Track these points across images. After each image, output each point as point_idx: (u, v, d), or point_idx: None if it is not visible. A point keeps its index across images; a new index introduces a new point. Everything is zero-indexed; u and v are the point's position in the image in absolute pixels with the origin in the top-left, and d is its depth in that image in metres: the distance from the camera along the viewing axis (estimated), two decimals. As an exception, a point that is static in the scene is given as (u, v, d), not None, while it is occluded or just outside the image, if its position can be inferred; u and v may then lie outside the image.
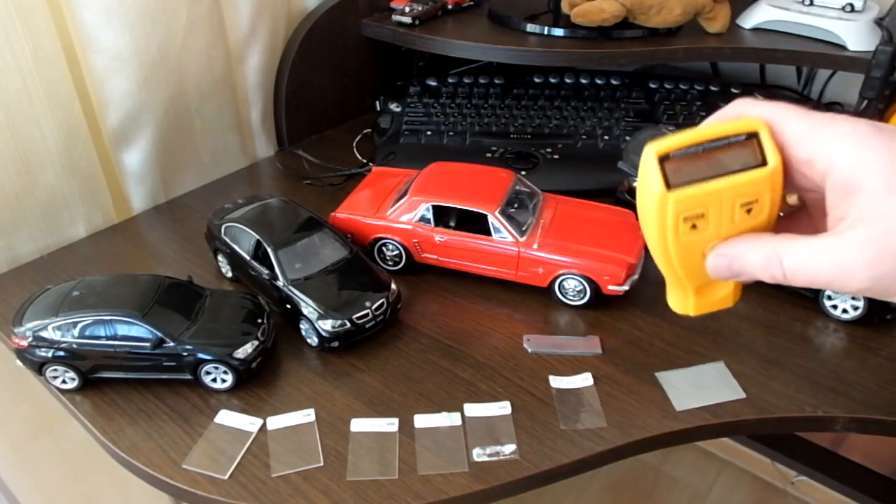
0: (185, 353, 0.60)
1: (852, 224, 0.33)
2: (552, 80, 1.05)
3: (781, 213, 0.38)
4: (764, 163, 0.34)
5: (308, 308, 0.64)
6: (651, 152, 0.34)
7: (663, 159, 0.34)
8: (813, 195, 0.37)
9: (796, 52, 0.92)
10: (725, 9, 0.94)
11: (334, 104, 1.06)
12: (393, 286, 0.68)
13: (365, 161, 0.96)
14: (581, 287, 0.69)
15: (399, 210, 0.74)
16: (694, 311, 0.41)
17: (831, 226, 0.34)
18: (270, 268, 0.67)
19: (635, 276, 0.70)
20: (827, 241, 0.34)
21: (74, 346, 0.60)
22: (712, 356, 0.65)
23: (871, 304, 0.66)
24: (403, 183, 0.78)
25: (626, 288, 0.69)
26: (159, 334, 0.59)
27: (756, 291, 0.72)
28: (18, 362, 0.62)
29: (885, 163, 0.32)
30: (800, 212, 0.40)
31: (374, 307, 0.65)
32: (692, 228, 0.36)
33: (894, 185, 0.31)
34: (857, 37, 0.89)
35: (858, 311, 0.67)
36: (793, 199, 0.39)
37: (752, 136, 0.34)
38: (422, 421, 0.59)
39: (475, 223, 0.71)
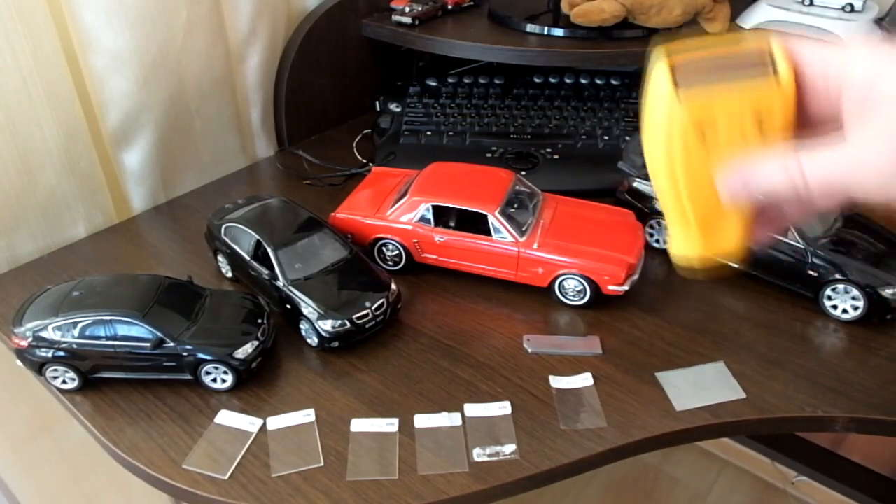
0: (185, 354, 0.60)
1: (871, 125, 0.33)
2: (552, 81, 1.05)
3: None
4: (776, 74, 0.34)
5: (308, 308, 0.64)
6: (661, 57, 0.34)
7: (674, 67, 0.34)
8: (823, 130, 0.36)
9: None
10: (725, 9, 0.94)
11: (334, 104, 1.06)
12: (393, 286, 0.68)
13: (365, 161, 0.96)
14: (581, 287, 0.69)
15: (399, 210, 0.74)
16: (699, 250, 0.38)
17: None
18: (270, 268, 0.67)
19: (635, 276, 0.70)
20: (846, 141, 0.33)
21: (74, 346, 0.59)
22: (712, 356, 0.65)
23: (871, 304, 0.66)
24: (403, 183, 0.78)
25: (626, 288, 0.69)
26: (159, 334, 0.59)
27: (756, 291, 0.72)
28: (18, 362, 0.62)
29: None
30: None
31: (374, 307, 0.65)
32: (702, 141, 0.35)
33: None
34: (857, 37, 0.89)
35: (858, 311, 0.67)
36: None
37: (764, 53, 0.34)
38: (422, 421, 0.59)
39: (475, 223, 0.71)
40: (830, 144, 0.34)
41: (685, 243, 0.38)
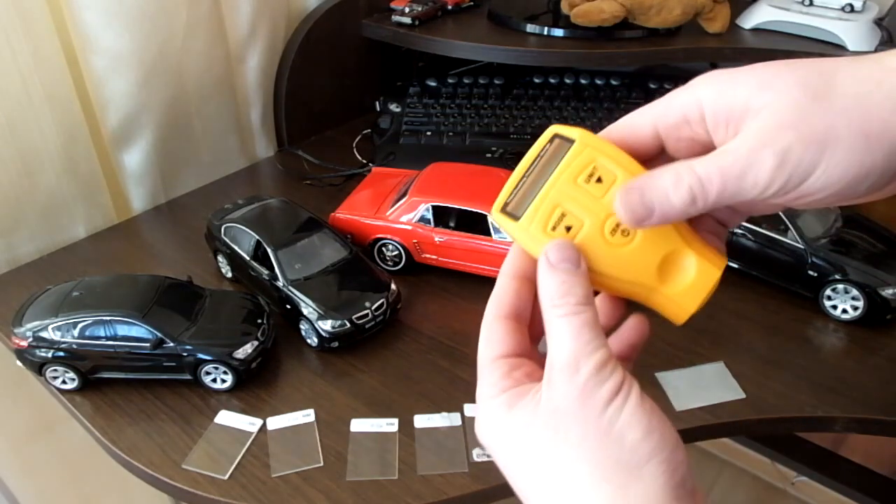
0: (184, 354, 0.60)
1: (752, 128, 0.31)
2: (552, 81, 1.04)
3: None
4: (572, 142, 0.35)
5: (308, 308, 0.64)
6: (493, 210, 0.36)
7: (504, 208, 0.36)
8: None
9: (796, 53, 0.92)
10: (725, 9, 0.94)
11: (334, 104, 1.06)
12: (393, 286, 0.68)
13: (365, 161, 0.96)
14: (581, 287, 0.69)
15: (399, 210, 0.74)
16: (687, 306, 0.37)
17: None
18: (270, 268, 0.67)
19: (635, 277, 0.69)
20: (732, 143, 0.32)
21: (74, 346, 0.60)
22: (712, 356, 0.65)
23: (871, 304, 0.66)
24: (403, 183, 0.78)
25: (625, 288, 0.69)
26: (159, 335, 0.59)
27: (755, 291, 0.72)
28: (18, 363, 0.62)
29: (789, 99, 0.30)
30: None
31: (373, 307, 0.65)
32: (567, 231, 0.35)
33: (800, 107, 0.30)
34: (857, 37, 0.89)
35: (858, 312, 0.67)
36: None
37: (555, 137, 0.36)
38: (422, 421, 0.59)
39: (475, 223, 0.71)
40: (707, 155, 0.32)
41: (669, 306, 0.37)
